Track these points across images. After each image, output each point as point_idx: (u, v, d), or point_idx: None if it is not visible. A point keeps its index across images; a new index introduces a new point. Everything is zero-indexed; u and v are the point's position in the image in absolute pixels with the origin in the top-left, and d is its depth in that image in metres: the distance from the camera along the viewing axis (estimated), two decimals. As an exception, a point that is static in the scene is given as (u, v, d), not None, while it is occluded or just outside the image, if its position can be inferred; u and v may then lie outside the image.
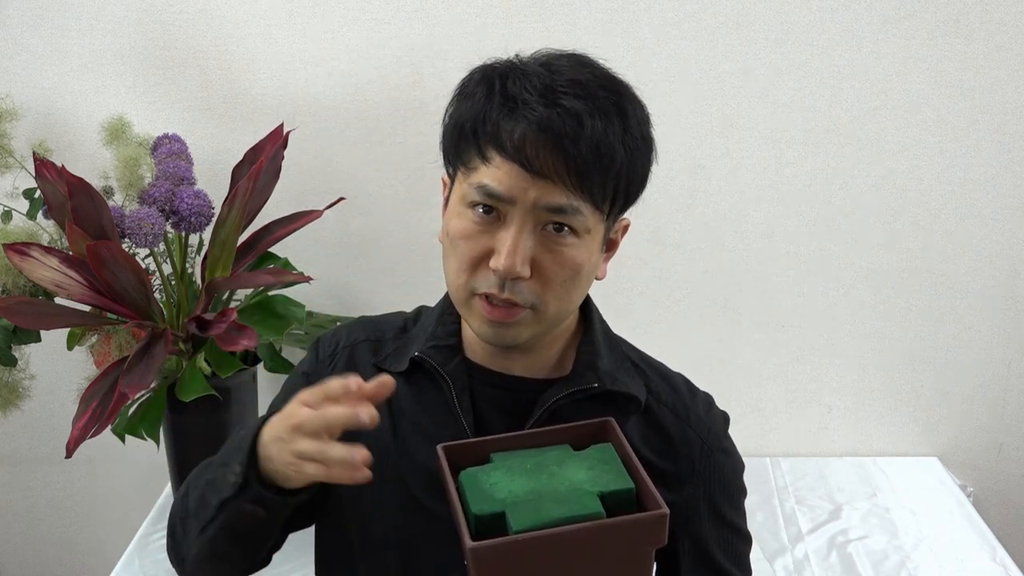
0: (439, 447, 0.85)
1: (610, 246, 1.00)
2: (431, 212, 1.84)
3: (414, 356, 1.00)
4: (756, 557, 1.64)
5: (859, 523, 1.76)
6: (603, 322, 1.07)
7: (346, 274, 1.90)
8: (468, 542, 0.75)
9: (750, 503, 1.81)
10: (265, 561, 1.01)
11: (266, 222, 1.62)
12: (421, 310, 1.11)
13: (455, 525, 0.79)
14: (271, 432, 0.85)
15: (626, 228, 1.02)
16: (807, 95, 1.79)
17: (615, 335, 1.08)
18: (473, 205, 0.91)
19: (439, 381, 1.00)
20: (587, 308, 1.06)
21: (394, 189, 1.85)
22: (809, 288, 1.90)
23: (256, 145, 1.60)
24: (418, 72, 1.78)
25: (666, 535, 0.78)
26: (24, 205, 1.63)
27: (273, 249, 1.65)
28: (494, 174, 0.89)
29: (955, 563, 1.64)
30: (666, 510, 0.78)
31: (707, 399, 1.07)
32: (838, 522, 1.76)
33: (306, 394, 0.83)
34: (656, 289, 1.91)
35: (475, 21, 1.76)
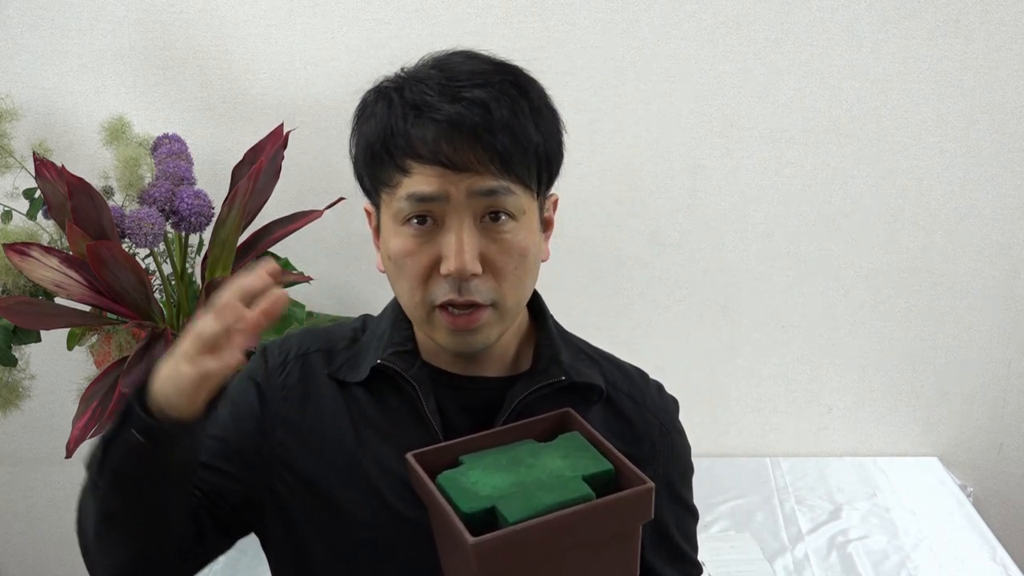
0: (410, 455, 0.86)
1: (547, 225, 1.00)
2: (431, 212, 1.85)
3: (376, 364, 0.99)
4: (756, 557, 1.65)
5: (859, 523, 1.76)
6: (553, 317, 1.08)
7: (346, 274, 1.90)
8: (469, 539, 0.74)
9: (750, 503, 1.81)
10: (184, 561, 0.99)
11: (266, 222, 1.62)
12: (366, 319, 1.10)
13: (441, 528, 0.79)
14: (165, 370, 0.84)
15: (555, 203, 1.01)
16: (807, 95, 1.79)
17: (565, 329, 1.09)
18: (407, 219, 0.91)
19: (403, 387, 0.99)
20: (537, 304, 1.06)
21: (394, 189, 1.85)
22: (809, 288, 1.90)
23: (256, 145, 1.60)
24: (418, 72, 1.78)
25: (652, 509, 0.80)
26: (24, 205, 1.63)
27: (273, 249, 1.65)
28: (418, 181, 0.89)
29: (955, 563, 1.64)
30: (651, 484, 0.79)
31: (658, 385, 1.09)
32: (838, 522, 1.76)
33: (199, 321, 0.82)
34: (656, 289, 1.91)
35: (475, 21, 1.76)
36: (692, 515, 1.08)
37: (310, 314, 1.74)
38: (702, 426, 1.91)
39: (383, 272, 0.99)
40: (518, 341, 1.03)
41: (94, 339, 1.60)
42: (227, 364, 0.81)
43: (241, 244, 1.58)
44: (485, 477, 0.82)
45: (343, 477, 0.98)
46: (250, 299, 0.84)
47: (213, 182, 1.62)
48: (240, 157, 1.60)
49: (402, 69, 0.95)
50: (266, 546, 1.06)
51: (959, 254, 1.87)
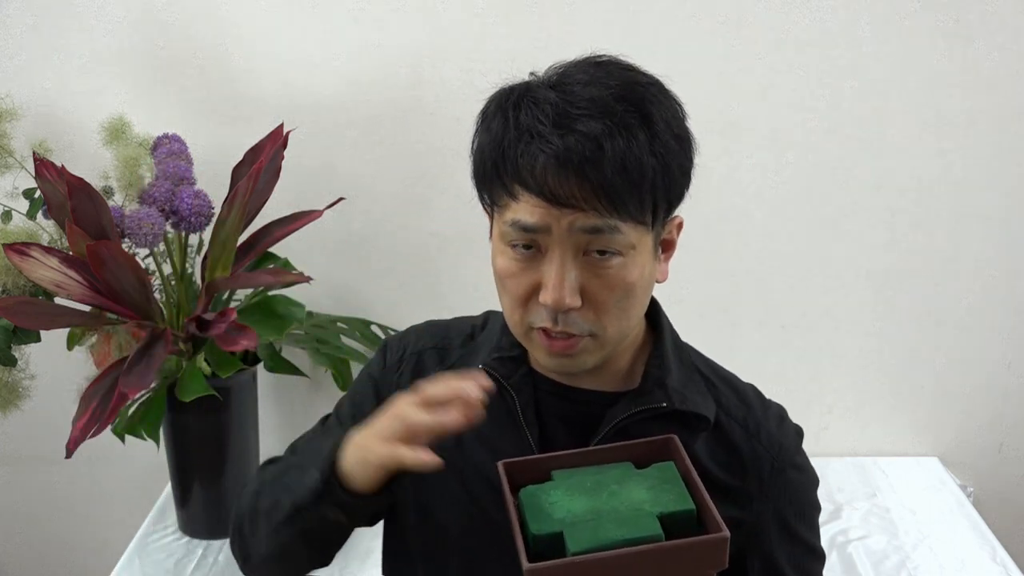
0: (500, 464, 0.85)
1: (666, 247, 0.98)
2: (431, 212, 1.84)
3: (479, 368, 0.99)
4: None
5: (859, 523, 1.76)
6: (673, 331, 1.05)
7: (346, 274, 1.90)
8: (525, 563, 0.74)
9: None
10: (329, 560, 1.02)
11: (266, 222, 1.62)
12: (488, 316, 1.10)
13: (513, 543, 0.79)
14: (359, 438, 0.87)
15: (680, 226, 1.00)
16: (807, 95, 1.79)
17: (685, 345, 1.06)
18: (512, 243, 0.90)
19: (504, 393, 0.98)
20: (656, 317, 1.04)
21: (394, 189, 1.85)
22: (809, 288, 1.90)
23: (256, 145, 1.60)
24: (418, 72, 1.78)
25: (727, 558, 0.77)
26: (24, 205, 1.63)
27: (273, 249, 1.65)
28: (524, 209, 0.88)
29: (955, 563, 1.64)
30: (727, 533, 0.76)
31: (779, 412, 1.06)
32: (838, 522, 1.76)
33: (404, 403, 0.85)
34: (656, 289, 1.90)
35: (475, 21, 1.76)
36: (813, 554, 1.03)
37: (310, 314, 1.74)
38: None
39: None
40: (632, 355, 1.01)
41: (94, 339, 1.60)
42: (420, 459, 0.82)
43: (241, 244, 1.58)
44: (565, 498, 0.81)
45: (440, 481, 0.98)
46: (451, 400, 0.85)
47: (213, 182, 1.62)
48: (240, 157, 1.60)
49: (531, 75, 0.93)
50: (385, 540, 1.09)
51: (959, 254, 1.87)
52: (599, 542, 0.76)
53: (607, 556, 0.75)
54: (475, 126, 0.94)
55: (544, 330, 0.91)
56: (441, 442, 0.98)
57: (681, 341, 1.06)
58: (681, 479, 0.83)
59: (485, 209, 0.97)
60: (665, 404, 0.96)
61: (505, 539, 0.93)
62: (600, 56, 0.93)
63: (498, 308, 1.02)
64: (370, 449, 0.85)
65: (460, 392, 0.83)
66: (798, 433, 1.05)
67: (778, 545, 0.99)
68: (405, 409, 0.84)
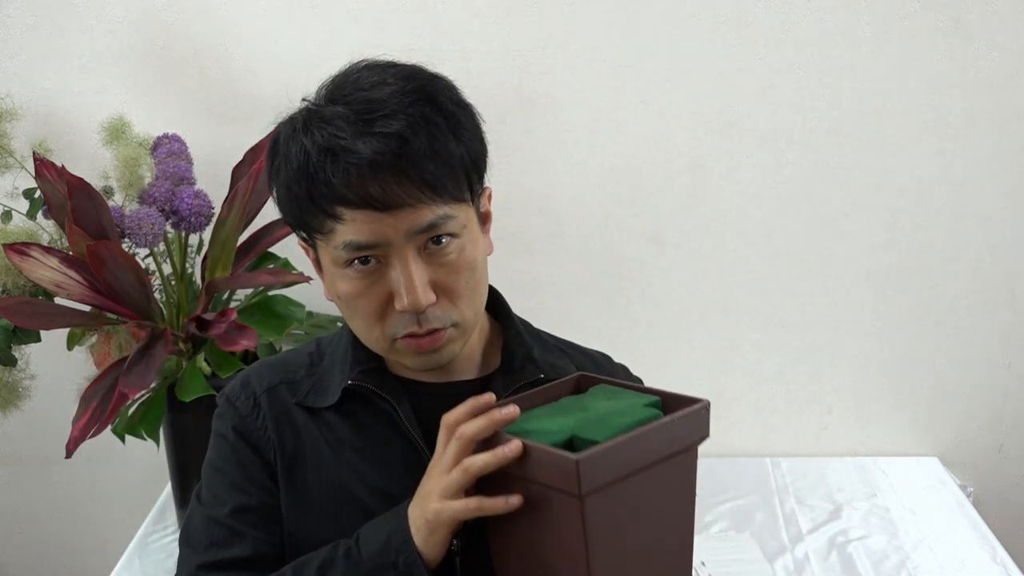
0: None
1: (485, 219, 0.98)
2: (431, 212, 1.84)
3: (347, 385, 0.98)
4: (756, 557, 1.65)
5: (859, 523, 1.76)
6: (514, 313, 1.07)
7: (346, 274, 1.90)
8: (571, 456, 0.74)
9: (750, 503, 1.81)
10: None
11: (266, 222, 1.62)
12: (319, 342, 1.08)
13: (514, 485, 0.79)
14: (422, 513, 0.84)
15: (490, 196, 0.99)
16: (807, 95, 1.79)
17: (527, 322, 1.09)
18: (349, 263, 0.89)
19: (378, 404, 0.98)
20: (497, 302, 1.06)
21: (394, 189, 1.85)
22: (809, 288, 1.90)
23: (256, 145, 1.60)
24: (418, 72, 1.78)
25: (710, 427, 0.84)
26: (24, 205, 1.63)
27: (273, 249, 1.65)
28: (352, 228, 0.87)
29: (955, 563, 1.64)
30: (707, 401, 0.84)
31: (624, 367, 1.11)
32: (838, 522, 1.76)
33: (452, 453, 0.83)
34: (656, 289, 1.91)
35: (475, 21, 1.76)
36: None
37: (310, 314, 1.74)
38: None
39: (331, 301, 0.97)
40: (484, 341, 1.04)
41: (94, 339, 1.60)
42: (510, 504, 0.81)
43: (241, 244, 1.58)
44: (546, 421, 0.83)
45: (331, 508, 0.97)
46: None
47: (213, 182, 1.62)
48: (240, 157, 1.60)
49: (304, 100, 0.92)
50: None
51: (959, 254, 1.87)
52: (616, 429, 0.79)
53: (638, 433, 0.79)
54: (267, 167, 0.93)
55: (409, 336, 0.91)
56: (326, 475, 0.97)
57: (523, 319, 1.08)
58: (625, 388, 0.89)
59: (302, 244, 0.97)
60: (542, 375, 0.99)
61: None
62: (357, 63, 0.94)
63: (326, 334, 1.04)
64: (442, 513, 0.82)
65: (498, 418, 0.81)
66: (640, 381, 1.10)
67: None
68: (463, 460, 0.81)
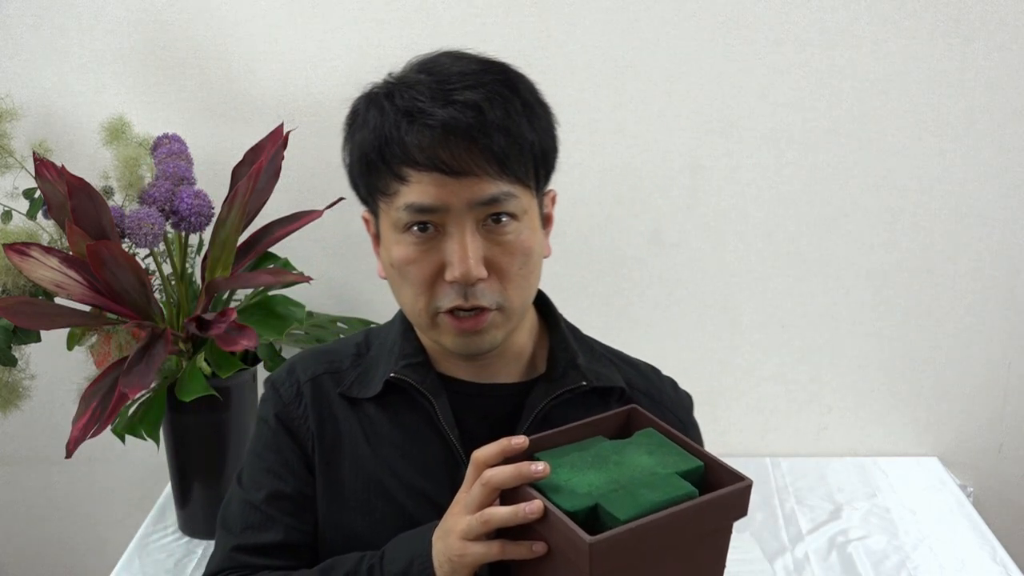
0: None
1: (547, 221, 1.00)
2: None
3: (389, 378, 0.98)
4: (756, 557, 1.65)
5: (859, 523, 1.76)
6: (564, 317, 1.07)
7: (346, 274, 1.90)
8: (586, 538, 0.73)
9: (750, 503, 1.81)
10: None
11: (266, 222, 1.62)
12: (369, 332, 1.09)
13: (535, 532, 0.78)
14: (446, 553, 0.84)
15: (554, 199, 1.01)
16: (807, 95, 1.79)
17: (576, 328, 1.08)
18: (407, 228, 0.91)
19: (418, 400, 0.98)
20: (545, 305, 1.06)
21: (394, 189, 1.85)
22: (809, 288, 1.90)
23: (256, 145, 1.60)
24: (418, 72, 1.78)
25: (748, 506, 0.80)
26: (24, 205, 1.63)
27: (273, 249, 1.65)
28: (417, 190, 0.88)
29: (955, 563, 1.64)
30: (750, 480, 0.79)
31: (672, 381, 1.10)
32: (838, 522, 1.76)
33: (476, 497, 0.82)
34: (656, 289, 1.91)
35: (475, 21, 1.76)
36: None
37: (310, 314, 1.74)
38: (702, 426, 1.90)
39: (384, 279, 0.98)
40: (532, 343, 1.03)
41: (94, 339, 1.60)
42: (533, 551, 0.81)
43: (241, 244, 1.58)
44: (577, 475, 0.81)
45: (365, 499, 0.98)
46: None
47: (213, 182, 1.62)
48: (240, 157, 1.60)
49: (390, 74, 0.95)
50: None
51: (959, 254, 1.87)
52: (642, 507, 0.76)
53: (661, 517, 0.75)
54: (343, 133, 0.96)
55: (451, 312, 0.91)
56: (361, 468, 0.97)
57: (573, 325, 1.08)
58: (671, 441, 0.85)
59: (366, 214, 0.98)
60: (585, 383, 0.98)
61: None
62: (444, 51, 0.96)
63: (374, 313, 1.03)
64: (465, 556, 0.83)
65: (526, 472, 0.80)
66: (690, 397, 1.10)
67: None
68: (485, 510, 0.81)
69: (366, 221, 1.00)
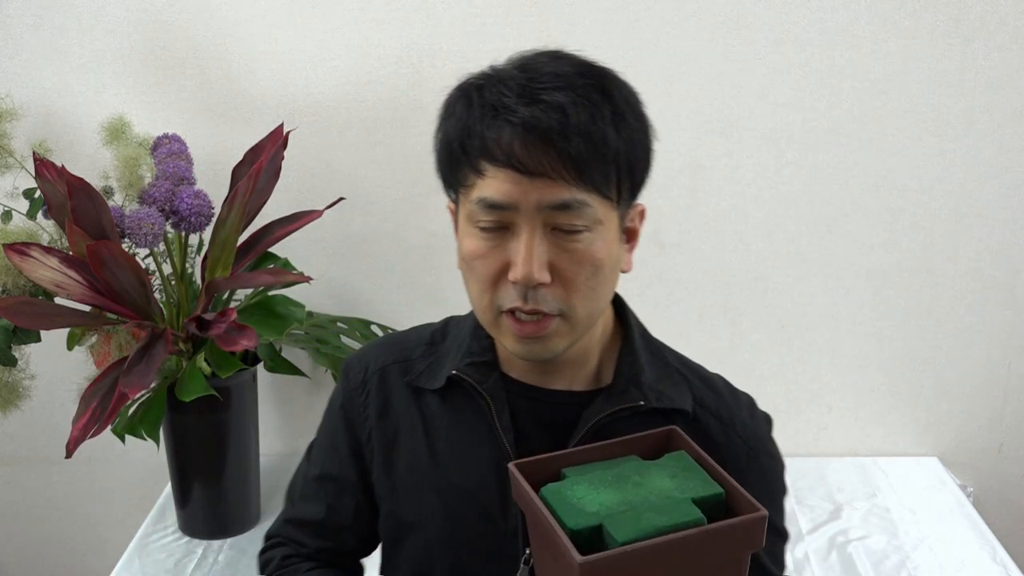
0: (512, 465, 0.83)
1: (630, 235, 0.98)
2: (431, 212, 1.84)
3: (451, 375, 0.98)
4: (756, 557, 1.64)
5: (859, 523, 1.76)
6: (642, 327, 1.05)
7: (346, 274, 1.90)
8: (577, 557, 0.72)
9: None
10: None
11: (266, 222, 1.62)
12: (448, 321, 1.09)
13: (543, 541, 0.77)
14: None
15: (642, 214, 0.99)
16: (807, 95, 1.79)
17: (654, 339, 1.06)
18: (479, 223, 0.90)
19: (477, 399, 0.98)
20: (623, 313, 1.04)
21: (394, 189, 1.85)
22: (809, 288, 1.90)
23: (256, 145, 1.60)
24: (418, 72, 1.78)
25: (764, 538, 0.77)
26: (24, 205, 1.63)
27: (273, 249, 1.65)
28: (491, 185, 0.88)
29: (955, 563, 1.64)
30: (765, 512, 0.76)
31: (749, 401, 1.06)
32: (838, 522, 1.76)
33: None
34: (656, 289, 1.91)
35: (475, 21, 1.76)
36: (781, 537, 1.04)
37: (310, 314, 1.73)
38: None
39: (460, 270, 0.97)
40: (600, 351, 1.01)
41: (94, 339, 1.60)
42: None
43: (241, 244, 1.58)
44: (591, 493, 0.80)
45: (421, 499, 0.99)
46: None
47: (213, 182, 1.62)
48: (240, 157, 1.60)
49: (490, 67, 0.93)
50: (381, 559, 1.10)
51: (959, 254, 1.87)
52: (643, 531, 0.75)
53: (658, 543, 0.74)
54: (438, 118, 0.95)
55: (513, 313, 0.90)
56: (415, 459, 0.98)
57: (651, 336, 1.06)
58: (699, 466, 0.83)
59: (449, 204, 0.97)
60: (642, 403, 0.96)
61: (487, 544, 0.93)
62: (555, 49, 0.95)
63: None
64: None
65: None
66: (767, 421, 1.05)
67: None
68: None
69: (450, 211, 0.99)
